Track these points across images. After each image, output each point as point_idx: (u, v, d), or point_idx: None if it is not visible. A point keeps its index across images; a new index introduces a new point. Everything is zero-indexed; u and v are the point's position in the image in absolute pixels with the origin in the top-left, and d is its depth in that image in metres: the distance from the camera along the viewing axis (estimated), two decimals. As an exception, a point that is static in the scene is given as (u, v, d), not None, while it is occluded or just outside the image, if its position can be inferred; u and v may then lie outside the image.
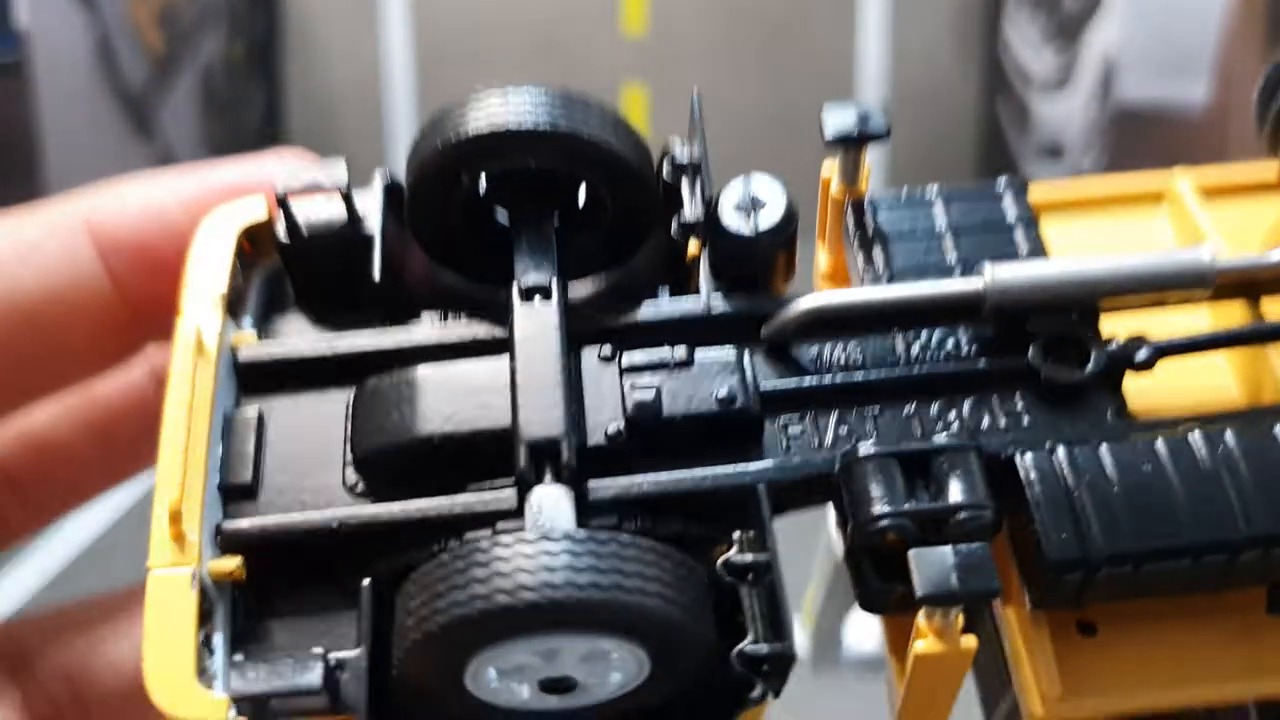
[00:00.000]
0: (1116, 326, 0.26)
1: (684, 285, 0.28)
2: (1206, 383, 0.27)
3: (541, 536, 0.20)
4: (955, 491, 0.23)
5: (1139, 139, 2.12)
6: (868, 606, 0.24)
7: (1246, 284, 0.26)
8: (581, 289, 0.27)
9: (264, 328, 0.28)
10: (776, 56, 2.94)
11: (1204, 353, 0.26)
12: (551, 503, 0.23)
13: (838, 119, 0.27)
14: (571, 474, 0.23)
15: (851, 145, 0.27)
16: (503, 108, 0.25)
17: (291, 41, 2.96)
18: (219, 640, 0.23)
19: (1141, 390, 0.26)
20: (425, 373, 0.25)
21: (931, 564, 0.21)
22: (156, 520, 0.23)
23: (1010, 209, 0.27)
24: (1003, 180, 0.27)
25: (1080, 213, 0.30)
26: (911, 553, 0.22)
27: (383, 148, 2.89)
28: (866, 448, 0.24)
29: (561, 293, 0.25)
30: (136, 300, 0.26)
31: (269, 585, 0.24)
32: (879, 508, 0.23)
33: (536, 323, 0.25)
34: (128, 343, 0.27)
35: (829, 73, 2.95)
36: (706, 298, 0.27)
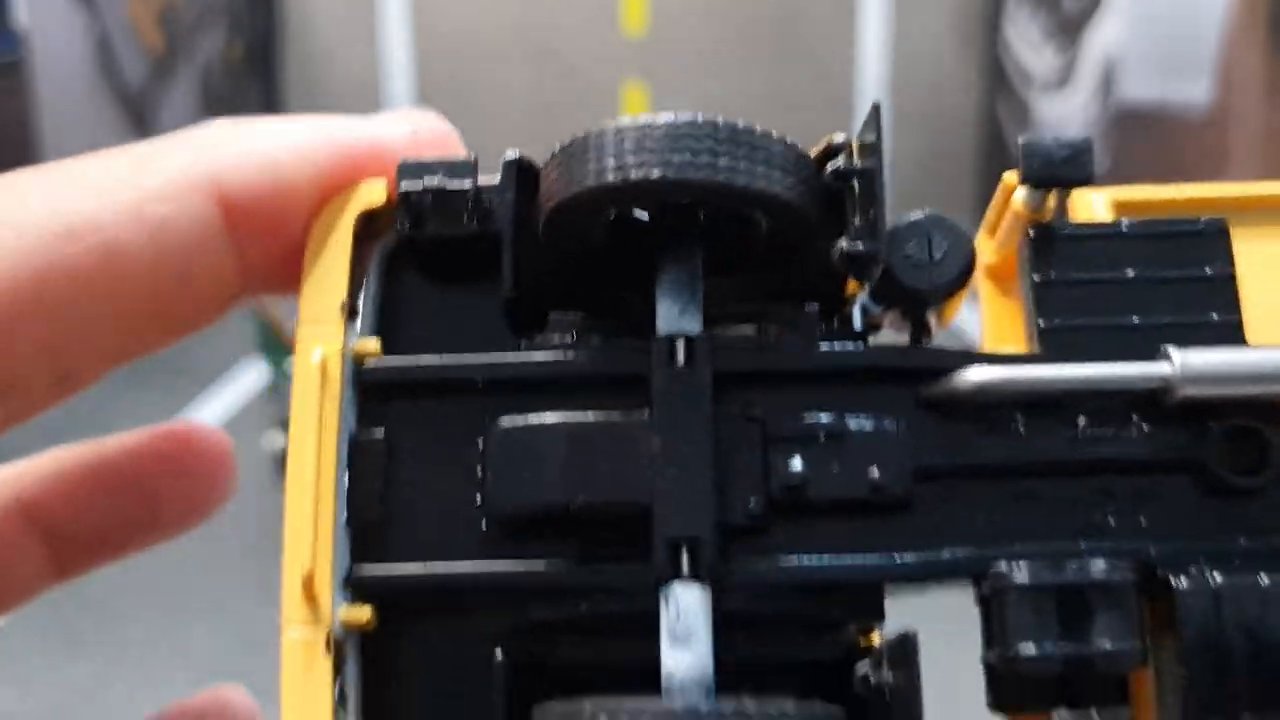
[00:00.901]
0: None
1: (834, 307, 0.25)
2: None
3: (670, 712, 0.20)
4: (1107, 633, 0.22)
5: (1140, 138, 2.12)
6: (1000, 709, 0.23)
7: None
8: (718, 291, 0.25)
9: (387, 321, 0.26)
10: (776, 56, 2.94)
11: None
12: (689, 606, 0.22)
13: (1035, 154, 0.24)
14: (710, 571, 0.22)
15: (1056, 184, 0.24)
16: (649, 149, 0.23)
17: (290, 41, 2.96)
18: (351, 696, 0.23)
19: None
20: (566, 426, 0.24)
21: None
22: (289, 577, 0.22)
23: (1209, 262, 0.25)
24: (1205, 219, 0.25)
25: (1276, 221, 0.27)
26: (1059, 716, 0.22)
27: (382, 148, 2.89)
28: (1019, 574, 0.23)
29: (708, 349, 0.24)
30: (251, 265, 0.24)
31: (398, 634, 0.24)
32: (1027, 648, 0.22)
33: (681, 393, 0.23)
34: (233, 302, 0.25)
35: (829, 73, 2.94)
36: (865, 348, 0.25)
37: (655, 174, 0.22)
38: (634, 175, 0.22)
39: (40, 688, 1.37)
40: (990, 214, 0.27)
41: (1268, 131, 1.73)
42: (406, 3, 2.91)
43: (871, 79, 2.93)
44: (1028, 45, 2.64)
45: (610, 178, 0.23)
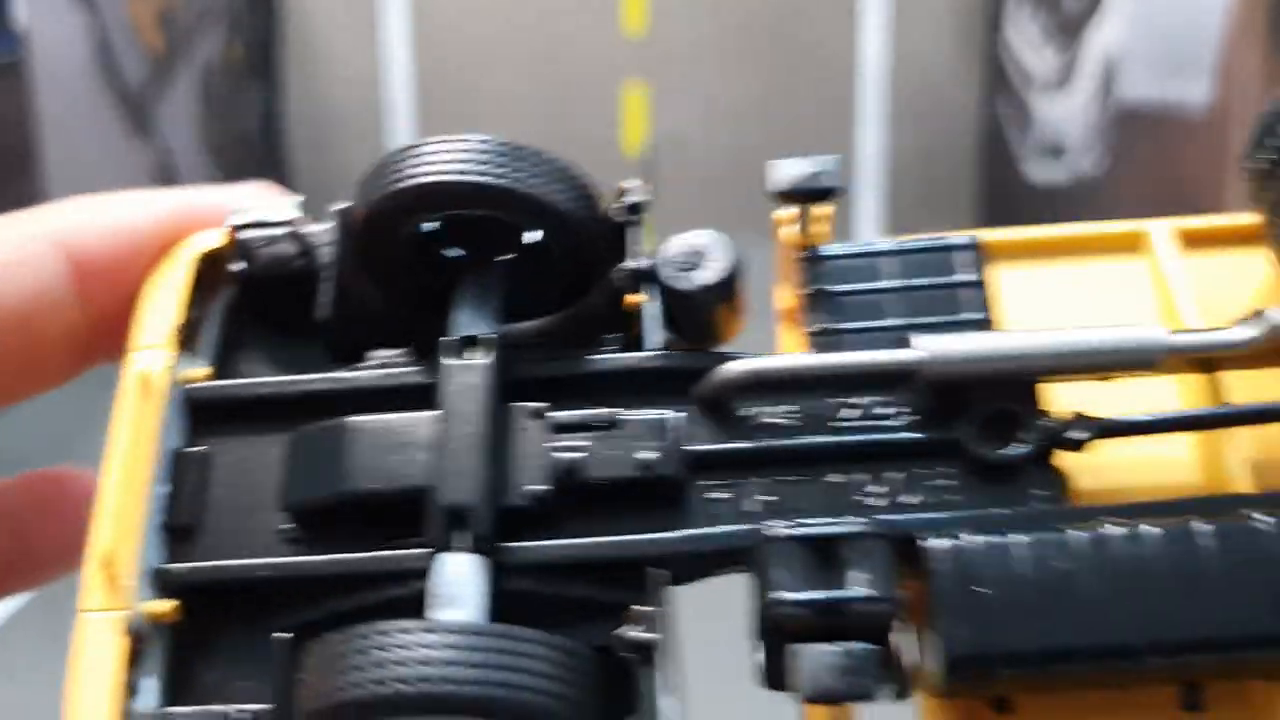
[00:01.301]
0: (1070, 396, 0.26)
1: (632, 336, 0.28)
2: (1160, 462, 0.27)
3: (424, 629, 0.21)
4: (860, 581, 0.23)
5: (1140, 139, 2.12)
6: (771, 686, 0.24)
7: (1207, 360, 0.26)
8: (523, 334, 0.28)
9: (224, 359, 0.29)
10: (776, 56, 2.94)
11: (1153, 434, 0.26)
12: (459, 572, 0.24)
13: (787, 173, 0.27)
14: (484, 541, 0.24)
15: (807, 200, 0.27)
16: (438, 160, 0.26)
17: (291, 42, 2.96)
18: (150, 684, 0.23)
19: (1086, 467, 0.25)
20: (354, 425, 0.26)
21: (812, 663, 0.22)
22: (89, 561, 0.23)
23: (960, 271, 0.28)
24: (957, 237, 0.28)
25: (1051, 259, 0.30)
26: (797, 650, 0.22)
27: (382, 147, 2.89)
28: (777, 528, 0.24)
29: (496, 347, 0.26)
30: (99, 320, 0.26)
31: (203, 628, 0.25)
32: (780, 594, 0.23)
33: (465, 380, 0.26)
34: (85, 361, 0.27)
35: (829, 73, 2.95)
36: (643, 353, 0.27)
37: (444, 177, 0.25)
38: (424, 180, 0.25)
39: (41, 684, 1.36)
40: (778, 261, 0.30)
41: (1268, 131, 1.73)
42: (406, 3, 2.91)
43: (871, 79, 2.94)
44: (1028, 45, 2.65)
45: (404, 184, 0.25)
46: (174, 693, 0.24)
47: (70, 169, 2.04)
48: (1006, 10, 2.77)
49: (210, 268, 0.27)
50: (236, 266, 0.27)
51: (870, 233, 2.93)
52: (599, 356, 0.26)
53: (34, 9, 2.07)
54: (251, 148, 2.84)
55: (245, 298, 0.28)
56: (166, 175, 2.47)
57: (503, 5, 2.92)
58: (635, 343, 0.27)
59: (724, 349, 0.27)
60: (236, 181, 0.29)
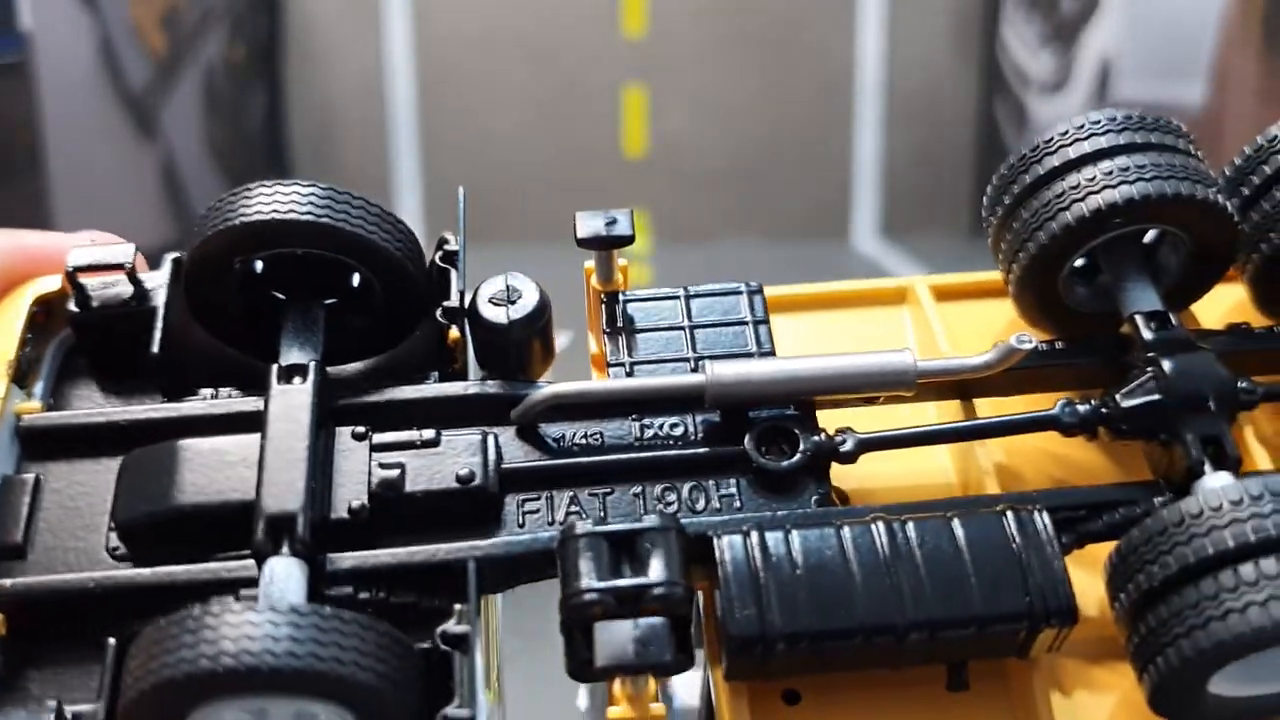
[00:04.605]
0: (848, 423, 0.29)
1: (454, 371, 0.30)
2: (925, 472, 0.30)
3: (245, 608, 0.22)
4: (654, 569, 0.25)
5: (1136, 140, 2.13)
6: (576, 675, 0.26)
7: (960, 385, 0.29)
8: (353, 371, 0.30)
9: (57, 395, 0.30)
10: (776, 57, 2.95)
11: (909, 447, 0.29)
12: (283, 574, 0.25)
13: (586, 225, 0.30)
14: (306, 547, 0.25)
15: (602, 246, 0.30)
16: (269, 199, 0.27)
17: (293, 44, 2.97)
18: None
19: (861, 477, 0.29)
20: (184, 446, 0.27)
21: (611, 637, 0.24)
22: None
23: (747, 310, 0.31)
24: (743, 285, 0.31)
25: (833, 309, 0.35)
26: (596, 626, 0.24)
27: (384, 149, 2.90)
28: (581, 526, 0.26)
29: (319, 373, 0.28)
30: None
31: (31, 641, 0.26)
32: (583, 582, 0.25)
33: (289, 402, 0.27)
34: None
35: (829, 73, 2.95)
36: (463, 382, 0.29)
37: (268, 216, 0.27)
38: (249, 219, 0.27)
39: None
40: (588, 310, 0.33)
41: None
42: (407, 4, 2.92)
43: (870, 80, 2.94)
44: (1025, 47, 2.66)
45: (232, 222, 0.27)
46: (11, 699, 0.25)
47: (74, 170, 2.05)
48: (1004, 13, 2.78)
49: (48, 310, 0.29)
50: (72, 308, 0.29)
51: (868, 233, 2.94)
52: (422, 386, 0.28)
53: (37, 10, 2.07)
54: (254, 148, 2.84)
55: (80, 338, 0.29)
56: (170, 176, 2.48)
57: (503, 6, 2.93)
58: (457, 376, 0.29)
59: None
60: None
